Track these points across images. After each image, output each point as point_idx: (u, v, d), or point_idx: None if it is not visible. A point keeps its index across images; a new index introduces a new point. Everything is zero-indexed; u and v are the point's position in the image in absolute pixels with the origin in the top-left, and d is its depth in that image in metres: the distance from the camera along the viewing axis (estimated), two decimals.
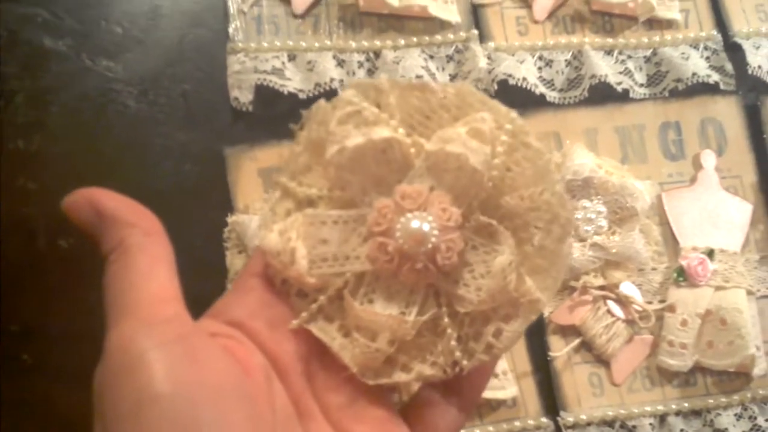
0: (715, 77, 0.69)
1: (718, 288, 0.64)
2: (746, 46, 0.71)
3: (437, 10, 0.67)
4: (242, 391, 0.28)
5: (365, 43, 0.67)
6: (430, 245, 0.30)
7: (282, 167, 0.33)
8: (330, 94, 0.64)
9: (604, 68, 0.68)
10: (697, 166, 0.68)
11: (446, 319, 0.32)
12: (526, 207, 0.31)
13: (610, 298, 0.63)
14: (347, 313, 0.32)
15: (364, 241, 0.31)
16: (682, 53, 0.70)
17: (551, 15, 0.70)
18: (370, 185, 0.32)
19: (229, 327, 0.31)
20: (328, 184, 0.32)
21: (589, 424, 0.62)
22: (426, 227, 0.30)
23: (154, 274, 0.29)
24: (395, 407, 0.33)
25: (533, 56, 0.69)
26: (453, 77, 0.67)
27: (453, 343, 0.32)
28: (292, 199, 0.33)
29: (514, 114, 0.31)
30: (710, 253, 0.65)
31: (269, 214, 0.33)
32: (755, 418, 0.64)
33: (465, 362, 0.32)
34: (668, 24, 0.71)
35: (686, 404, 0.63)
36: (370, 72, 0.66)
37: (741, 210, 0.67)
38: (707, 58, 0.70)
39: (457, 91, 0.31)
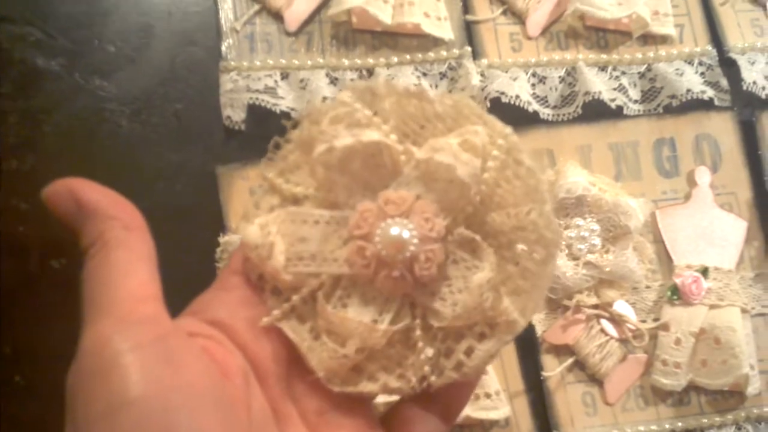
0: (709, 93, 0.69)
1: (712, 306, 0.64)
2: (741, 61, 0.70)
3: (430, 27, 0.67)
4: (219, 394, 0.27)
5: (358, 61, 0.67)
6: (408, 253, 0.30)
7: (271, 163, 0.33)
8: None
9: (598, 85, 0.68)
10: (692, 182, 0.67)
11: (418, 332, 0.31)
12: (512, 225, 0.30)
13: (603, 317, 0.63)
14: (319, 316, 0.31)
15: (344, 243, 0.31)
16: (677, 69, 0.69)
17: (545, 31, 0.70)
18: (356, 188, 0.31)
19: (209, 326, 0.30)
20: (315, 183, 0.32)
21: None
22: (406, 235, 0.30)
23: (134, 270, 0.29)
24: (376, 415, 0.33)
25: (527, 73, 0.68)
26: None
27: (423, 357, 0.31)
28: (278, 195, 0.33)
29: (509, 130, 0.31)
30: (704, 271, 0.64)
31: (252, 208, 0.33)
32: None
33: (434, 378, 0.31)
34: (663, 39, 0.71)
35: (680, 423, 0.63)
36: None
37: (736, 227, 0.66)
38: (702, 73, 0.70)
39: (453, 102, 0.31)
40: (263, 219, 0.32)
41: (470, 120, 0.31)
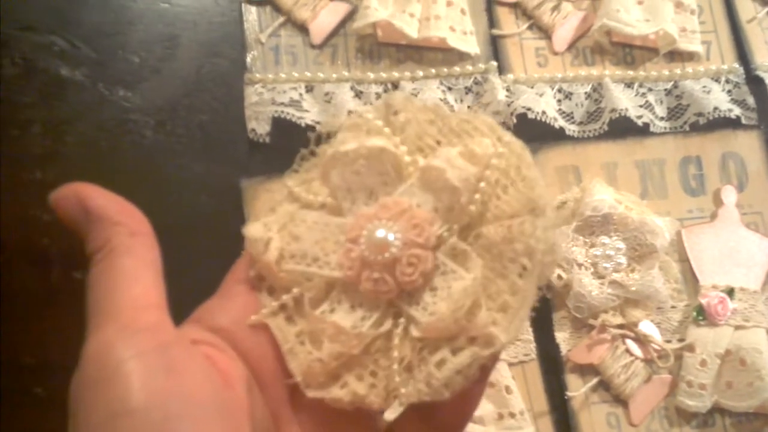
0: (736, 111, 0.68)
1: (737, 327, 0.63)
2: None
3: (456, 42, 0.66)
4: (221, 403, 0.27)
5: (383, 74, 0.66)
6: (387, 254, 0.29)
7: (294, 174, 0.33)
8: None
9: (624, 101, 0.67)
10: (718, 202, 0.67)
11: (396, 341, 0.31)
12: (503, 237, 0.30)
13: (628, 337, 0.63)
14: (305, 319, 0.31)
15: (340, 247, 0.31)
16: (704, 86, 0.69)
17: (571, 46, 0.70)
18: (360, 196, 0.32)
19: (212, 334, 0.30)
20: (327, 191, 0.32)
21: None
22: (390, 237, 0.30)
23: (139, 277, 0.29)
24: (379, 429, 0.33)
25: (552, 88, 0.68)
26: (471, 109, 0.67)
27: (395, 366, 0.30)
28: (296, 203, 0.33)
29: (516, 142, 0.31)
30: (730, 292, 0.64)
31: (266, 210, 0.33)
32: None
33: (403, 390, 0.30)
34: (689, 56, 0.70)
35: None
36: None
37: (762, 247, 0.66)
38: (729, 91, 0.69)
39: (469, 117, 0.31)
40: (269, 218, 0.32)
41: (483, 135, 0.31)
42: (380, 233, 0.30)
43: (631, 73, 0.69)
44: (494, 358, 0.30)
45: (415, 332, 0.30)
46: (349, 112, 0.64)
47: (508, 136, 0.31)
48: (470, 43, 0.67)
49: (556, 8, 0.69)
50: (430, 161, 0.30)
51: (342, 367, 0.31)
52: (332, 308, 0.31)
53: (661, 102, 0.69)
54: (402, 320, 0.31)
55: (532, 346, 0.62)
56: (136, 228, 0.30)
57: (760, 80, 0.70)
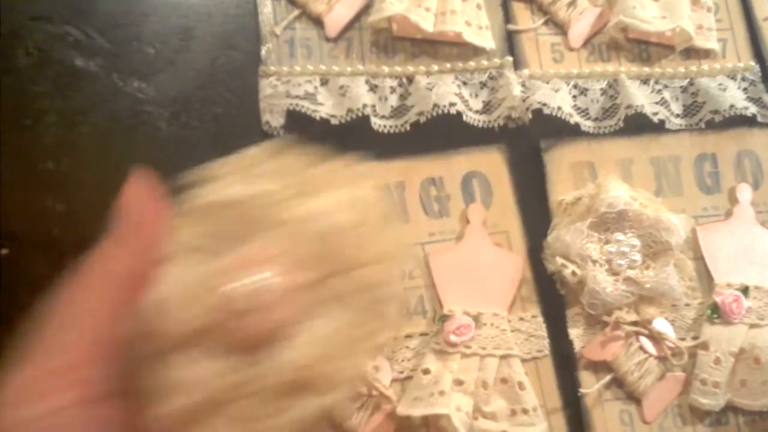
0: (752, 109, 0.68)
1: (752, 326, 0.63)
2: None
3: (472, 36, 0.66)
4: None
5: (398, 69, 0.66)
6: (259, 304, 0.29)
7: (181, 209, 0.33)
8: (362, 119, 0.63)
9: (640, 98, 0.67)
10: (733, 199, 0.66)
11: (259, 387, 0.30)
12: (366, 283, 0.31)
13: (642, 334, 0.62)
14: (164, 366, 0.31)
15: (206, 293, 0.31)
16: (720, 84, 0.69)
17: (587, 42, 0.69)
18: (236, 239, 0.31)
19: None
20: (206, 232, 0.32)
21: None
22: (261, 284, 0.29)
23: (84, 323, 0.29)
24: None
25: (568, 84, 0.68)
26: (486, 104, 0.66)
27: (258, 411, 0.30)
28: (175, 240, 0.32)
29: (379, 191, 0.32)
30: (745, 290, 0.63)
31: None
32: None
33: None
34: (705, 54, 0.70)
35: None
36: (402, 97, 0.65)
37: None
38: (745, 89, 0.69)
39: (348, 165, 0.33)
40: None
41: (360, 182, 0.32)
42: (250, 281, 0.29)
43: (646, 69, 0.69)
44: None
45: (278, 377, 0.30)
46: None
47: (374, 185, 0.32)
48: (486, 38, 0.67)
49: (572, 4, 0.69)
50: (310, 206, 0.31)
51: (201, 415, 0.30)
52: (194, 356, 0.30)
53: (677, 99, 0.69)
54: (266, 366, 0.30)
55: (546, 342, 0.62)
56: (142, 243, 0.30)
57: None
